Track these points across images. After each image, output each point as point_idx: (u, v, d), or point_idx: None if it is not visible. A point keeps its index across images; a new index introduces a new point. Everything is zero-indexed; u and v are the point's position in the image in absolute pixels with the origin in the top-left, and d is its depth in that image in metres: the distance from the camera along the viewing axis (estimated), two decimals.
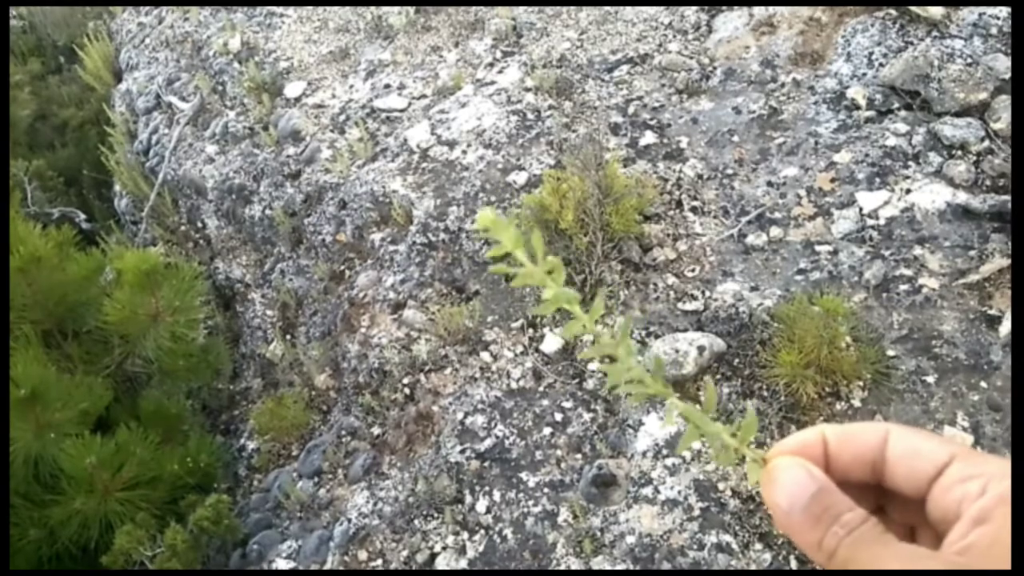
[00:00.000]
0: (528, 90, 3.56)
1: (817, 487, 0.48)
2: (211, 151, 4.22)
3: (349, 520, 2.77)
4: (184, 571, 2.74)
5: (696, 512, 2.37)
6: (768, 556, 2.28)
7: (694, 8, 3.75)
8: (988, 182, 2.86)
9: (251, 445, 3.51)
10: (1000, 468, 0.46)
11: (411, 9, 3.92)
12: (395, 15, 3.98)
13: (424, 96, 3.77)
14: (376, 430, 3.03)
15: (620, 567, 2.31)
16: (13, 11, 7.16)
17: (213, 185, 4.13)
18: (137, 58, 4.99)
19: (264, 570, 2.77)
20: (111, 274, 3.67)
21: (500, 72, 3.70)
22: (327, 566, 2.70)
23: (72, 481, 2.98)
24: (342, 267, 3.56)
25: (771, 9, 3.63)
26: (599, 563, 2.34)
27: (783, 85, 3.35)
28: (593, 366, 2.83)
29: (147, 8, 5.22)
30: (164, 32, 4.87)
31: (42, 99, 6.42)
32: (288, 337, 3.74)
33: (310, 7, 4.37)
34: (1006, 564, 0.43)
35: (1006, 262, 2.66)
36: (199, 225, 4.40)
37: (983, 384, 2.40)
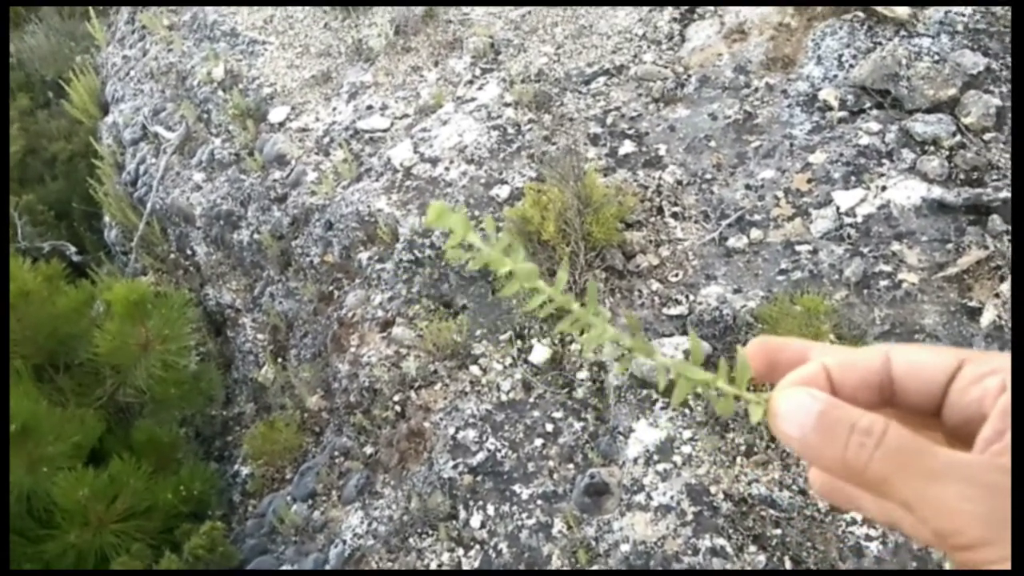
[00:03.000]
0: (508, 105, 3.60)
1: (822, 404, 0.46)
2: (198, 179, 4.25)
3: (344, 542, 2.78)
4: (189, 571, 2.74)
5: (689, 517, 2.38)
6: (763, 558, 2.29)
7: (667, 19, 3.80)
8: (961, 176, 2.89)
9: (245, 470, 3.51)
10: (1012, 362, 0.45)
11: (391, 31, 3.97)
12: (375, 37, 4.03)
13: (406, 115, 3.81)
14: (369, 449, 3.04)
15: None
16: None
17: (201, 212, 4.16)
18: (123, 90, 5.03)
19: (267, 570, 2.76)
20: (102, 306, 3.69)
21: (480, 89, 3.74)
22: None
23: (66, 515, 2.97)
24: (331, 288, 3.58)
25: (742, 16, 3.68)
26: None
27: (756, 90, 3.39)
28: (583, 375, 2.84)
29: (131, 40, 5.27)
30: (148, 64, 4.92)
31: (31, 134, 6.46)
32: (279, 360, 3.75)
33: (292, 33, 4.42)
34: None
35: (983, 253, 2.69)
36: (188, 252, 4.42)
37: None
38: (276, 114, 4.10)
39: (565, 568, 2.41)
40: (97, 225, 5.47)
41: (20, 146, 6.28)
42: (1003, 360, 0.45)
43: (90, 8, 5.78)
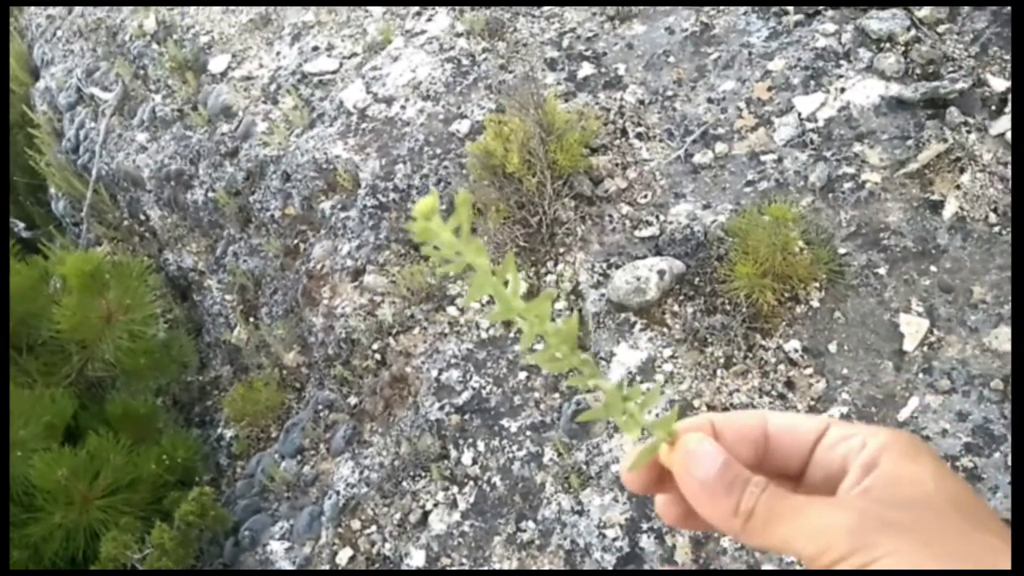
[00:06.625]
0: (459, 35, 3.48)
1: (724, 457, 0.52)
2: (142, 139, 4.08)
3: (337, 492, 2.78)
4: (177, 571, 2.73)
5: None
6: None
7: None
8: (918, 71, 2.88)
9: (228, 433, 3.48)
10: (872, 428, 0.52)
11: None
12: None
13: (355, 54, 3.67)
14: (352, 400, 3.03)
15: (608, 496, 2.35)
16: None
17: (149, 174, 4.01)
18: (51, 52, 4.77)
19: (265, 570, 2.74)
20: (58, 281, 3.57)
21: (429, 20, 3.61)
22: (321, 541, 2.72)
23: (48, 496, 2.92)
24: (295, 241, 3.50)
25: None
26: (588, 496, 2.38)
27: None
28: (560, 305, 2.84)
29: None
30: (75, 22, 4.65)
31: None
32: (251, 320, 3.69)
33: None
34: (904, 500, 0.47)
35: (943, 147, 2.69)
36: (142, 218, 4.28)
37: (932, 268, 2.46)
38: (216, 64, 3.92)
39: (560, 495, 2.45)
40: (43, 198, 5.26)
41: None
42: (865, 427, 0.52)
43: None
